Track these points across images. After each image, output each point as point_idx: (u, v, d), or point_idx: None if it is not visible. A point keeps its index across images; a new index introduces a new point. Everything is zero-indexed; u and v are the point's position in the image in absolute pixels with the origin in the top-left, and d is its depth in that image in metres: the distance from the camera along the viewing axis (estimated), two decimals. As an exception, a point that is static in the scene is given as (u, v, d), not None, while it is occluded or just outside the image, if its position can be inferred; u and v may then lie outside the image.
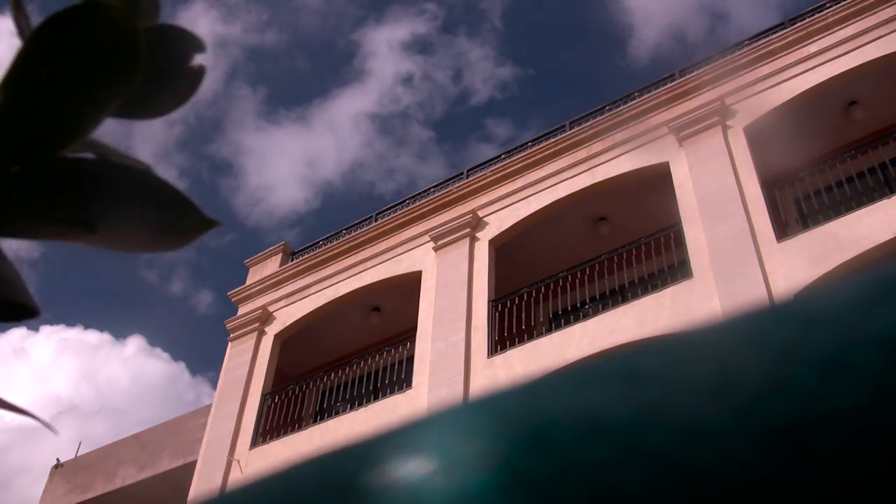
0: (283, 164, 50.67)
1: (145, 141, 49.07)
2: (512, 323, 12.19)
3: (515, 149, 13.98)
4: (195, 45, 0.53)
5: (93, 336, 49.95)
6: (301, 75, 50.30)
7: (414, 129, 49.20)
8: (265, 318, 14.80)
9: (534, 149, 13.36)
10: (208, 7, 48.25)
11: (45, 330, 47.66)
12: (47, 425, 0.61)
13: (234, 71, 48.45)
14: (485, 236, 13.12)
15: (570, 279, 12.28)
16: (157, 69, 0.51)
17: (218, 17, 47.75)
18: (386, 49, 47.16)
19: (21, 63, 0.47)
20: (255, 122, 49.85)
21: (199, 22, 46.08)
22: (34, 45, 0.47)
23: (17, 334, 49.74)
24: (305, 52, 50.03)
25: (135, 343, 50.85)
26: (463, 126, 50.88)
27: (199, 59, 0.53)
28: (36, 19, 0.49)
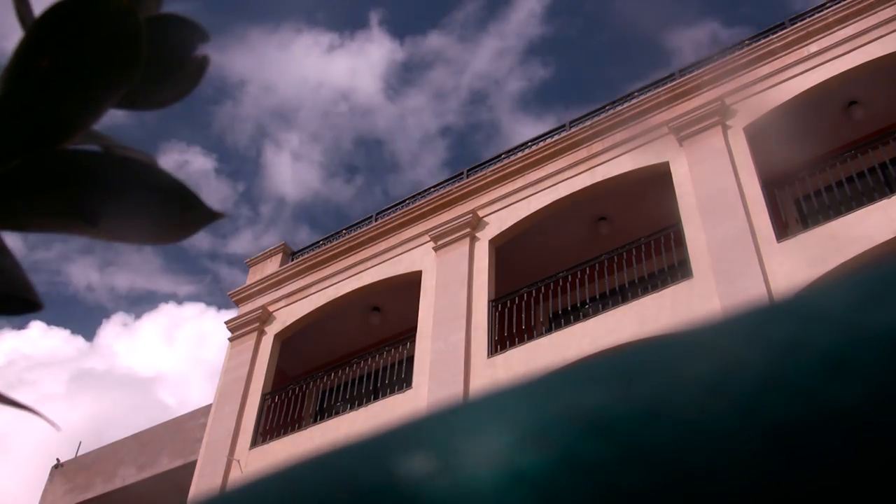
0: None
1: (415, 115, 48.22)
2: (512, 323, 12.20)
3: (515, 149, 13.99)
4: (199, 35, 0.53)
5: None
6: (590, 75, 48.72)
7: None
8: (265, 318, 14.80)
9: (534, 149, 13.37)
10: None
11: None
12: (49, 421, 0.61)
13: (521, 65, 47.24)
14: (485, 236, 13.12)
15: (570, 279, 12.28)
16: (159, 60, 0.51)
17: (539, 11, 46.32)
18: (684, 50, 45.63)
19: (22, 54, 0.47)
20: (523, 117, 49.06)
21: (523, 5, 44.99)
22: (35, 36, 0.47)
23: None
24: (606, 52, 48.29)
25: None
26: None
27: (202, 49, 0.53)
28: (37, 9, 0.48)
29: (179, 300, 53.57)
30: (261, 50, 47.30)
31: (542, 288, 12.39)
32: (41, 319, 46.95)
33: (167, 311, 49.70)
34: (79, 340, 49.69)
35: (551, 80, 47.10)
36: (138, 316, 51.68)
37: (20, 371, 40.03)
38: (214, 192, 50.25)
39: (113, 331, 50.51)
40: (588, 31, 45.87)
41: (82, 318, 51.20)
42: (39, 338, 46.61)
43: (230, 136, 48.88)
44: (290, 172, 50.51)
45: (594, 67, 46.90)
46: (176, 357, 45.42)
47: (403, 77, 48.70)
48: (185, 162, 48.96)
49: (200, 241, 49.72)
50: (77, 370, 43.70)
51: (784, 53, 11.82)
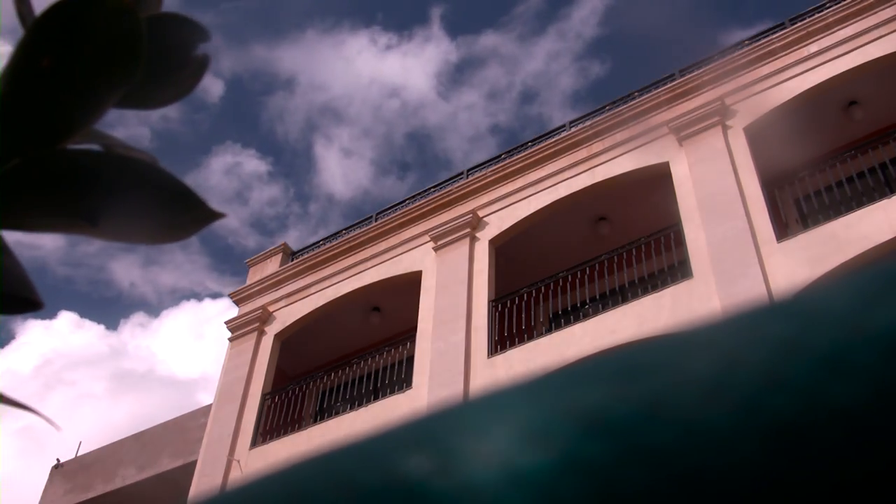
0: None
1: (467, 112, 47.61)
2: (512, 323, 12.20)
3: (515, 149, 13.99)
4: (199, 34, 0.53)
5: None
6: (646, 74, 48.26)
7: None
8: (265, 318, 14.80)
9: (534, 149, 13.36)
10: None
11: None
12: (50, 421, 0.61)
13: (578, 61, 46.60)
14: (485, 236, 13.12)
15: (570, 279, 12.28)
16: (160, 59, 0.51)
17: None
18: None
19: (23, 53, 0.47)
20: (572, 115, 48.74)
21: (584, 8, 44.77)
22: (36, 36, 0.47)
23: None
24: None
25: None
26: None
27: (202, 48, 0.53)
28: (38, 8, 0.48)
29: (217, 298, 53.25)
30: (315, 48, 46.98)
31: (542, 288, 12.38)
32: (75, 312, 46.72)
33: (210, 310, 49.43)
34: (113, 338, 49.34)
35: (607, 77, 46.84)
36: (180, 314, 51.41)
37: (58, 370, 39.75)
38: (266, 193, 49.96)
39: (149, 330, 50.23)
40: (647, 31, 45.57)
41: (120, 314, 50.88)
42: (70, 332, 46.25)
43: (280, 129, 48.44)
44: (341, 169, 50.15)
45: (652, 67, 46.55)
46: (211, 358, 45.33)
47: (455, 77, 48.41)
48: (237, 164, 48.64)
49: (247, 239, 49.19)
50: (117, 369, 43.28)
51: (784, 53, 11.81)
